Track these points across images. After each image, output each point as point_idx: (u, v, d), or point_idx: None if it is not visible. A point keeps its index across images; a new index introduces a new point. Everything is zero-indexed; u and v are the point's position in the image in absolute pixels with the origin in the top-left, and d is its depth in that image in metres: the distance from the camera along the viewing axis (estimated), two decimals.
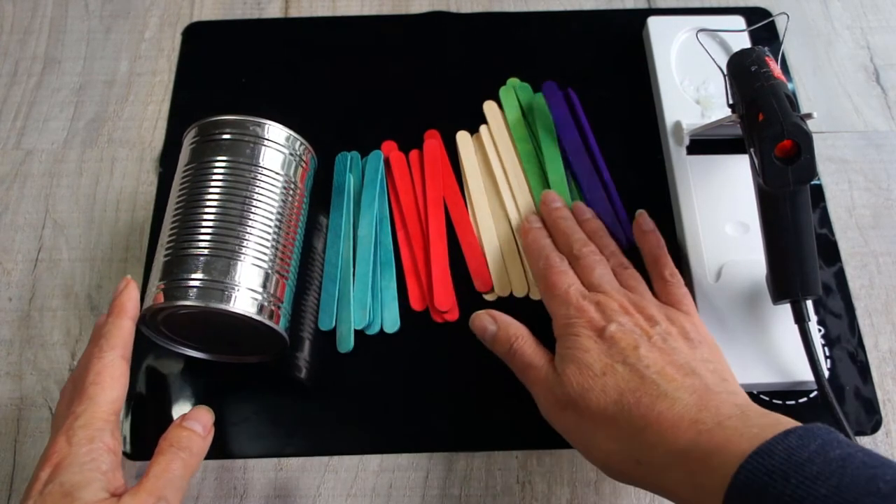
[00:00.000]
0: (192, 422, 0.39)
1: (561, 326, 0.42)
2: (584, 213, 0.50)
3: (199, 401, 0.46)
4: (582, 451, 0.39)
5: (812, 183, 0.41)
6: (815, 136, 0.39)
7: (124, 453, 0.45)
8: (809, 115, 0.41)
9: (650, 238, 0.47)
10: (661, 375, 0.37)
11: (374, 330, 0.48)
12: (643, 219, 0.48)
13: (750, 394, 0.46)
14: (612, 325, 0.40)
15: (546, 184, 0.52)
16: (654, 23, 0.57)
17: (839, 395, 0.46)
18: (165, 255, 0.42)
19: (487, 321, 0.44)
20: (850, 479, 0.29)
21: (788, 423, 0.33)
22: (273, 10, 0.62)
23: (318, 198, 0.51)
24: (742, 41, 0.56)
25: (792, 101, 0.41)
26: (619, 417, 0.36)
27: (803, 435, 0.31)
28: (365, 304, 0.48)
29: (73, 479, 0.34)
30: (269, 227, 0.43)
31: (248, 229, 0.43)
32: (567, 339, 0.41)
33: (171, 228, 0.43)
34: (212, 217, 0.42)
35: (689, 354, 0.39)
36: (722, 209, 0.50)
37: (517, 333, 0.43)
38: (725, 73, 0.45)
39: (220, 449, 0.45)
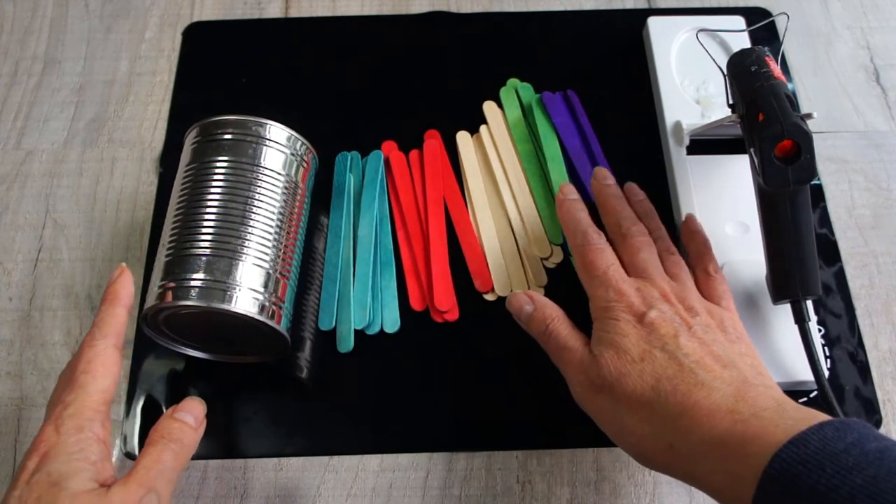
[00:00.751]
0: (184, 413, 0.38)
1: (599, 309, 0.42)
2: (637, 193, 0.49)
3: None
4: (613, 435, 0.39)
5: (812, 183, 0.41)
6: (815, 136, 0.39)
7: (125, 453, 0.45)
8: (809, 115, 0.41)
9: (697, 237, 0.47)
10: (699, 365, 0.37)
11: (374, 330, 0.48)
12: (692, 220, 0.48)
13: None
14: (653, 311, 0.40)
15: (547, 184, 0.52)
16: (654, 23, 0.57)
17: (839, 395, 0.46)
18: (167, 255, 0.42)
19: (524, 301, 0.44)
20: (886, 471, 0.29)
21: (825, 416, 0.33)
22: (273, 10, 0.62)
23: (318, 198, 0.51)
24: (742, 41, 0.56)
25: (792, 101, 0.41)
26: (655, 403, 0.36)
27: (840, 427, 0.31)
28: (365, 304, 0.48)
29: (61, 469, 0.33)
30: (271, 227, 0.43)
31: (250, 229, 0.43)
32: (605, 323, 0.40)
33: (173, 228, 0.43)
34: (213, 217, 0.42)
35: (728, 347, 0.39)
36: (722, 209, 0.50)
37: (553, 314, 0.43)
38: (725, 73, 0.45)
39: (221, 449, 0.45)
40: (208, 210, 0.43)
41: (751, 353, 0.40)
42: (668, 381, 0.37)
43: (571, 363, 0.41)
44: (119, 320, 0.39)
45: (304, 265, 0.48)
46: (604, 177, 0.49)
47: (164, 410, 0.46)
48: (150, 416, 0.46)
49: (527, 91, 0.56)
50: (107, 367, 0.37)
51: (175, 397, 0.46)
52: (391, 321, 0.48)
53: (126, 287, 0.40)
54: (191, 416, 0.38)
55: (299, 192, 0.46)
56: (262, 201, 0.44)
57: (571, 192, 0.48)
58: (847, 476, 0.29)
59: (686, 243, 0.48)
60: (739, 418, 0.34)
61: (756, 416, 0.34)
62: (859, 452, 0.30)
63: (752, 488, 0.31)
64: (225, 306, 0.41)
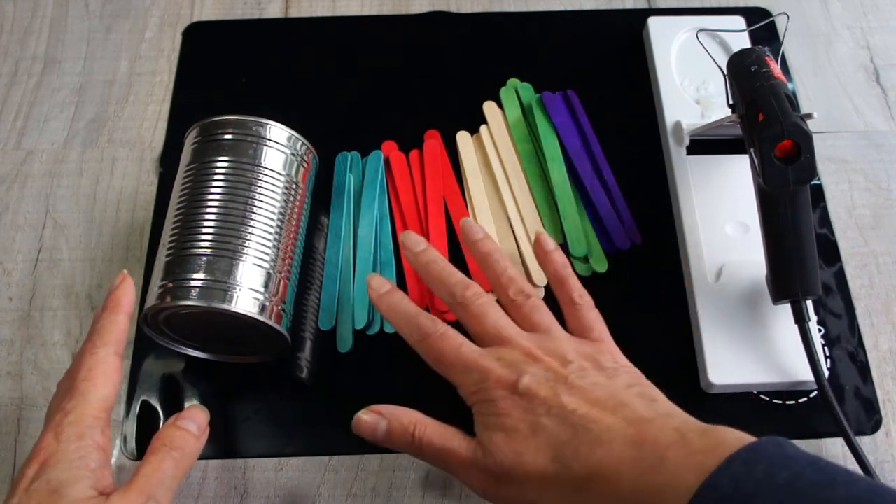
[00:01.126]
0: (187, 421, 0.38)
1: (471, 395, 0.39)
2: (475, 232, 0.44)
3: (200, 401, 0.46)
4: None
5: (812, 183, 0.41)
6: (815, 136, 0.39)
7: (125, 454, 0.45)
8: (809, 115, 0.41)
9: (554, 258, 0.43)
10: (588, 419, 0.35)
11: (374, 330, 0.48)
12: (543, 238, 0.44)
13: (749, 394, 0.46)
14: (524, 377, 0.37)
15: (547, 184, 0.52)
16: (654, 23, 0.57)
17: (839, 395, 0.46)
18: (167, 255, 0.42)
19: (373, 419, 0.39)
20: None
21: (731, 441, 0.31)
22: (273, 10, 0.62)
23: (318, 198, 0.51)
24: (742, 41, 0.56)
25: (792, 101, 0.41)
26: (561, 473, 0.34)
27: (747, 460, 0.30)
28: (365, 304, 0.48)
29: (61, 477, 0.33)
30: (271, 227, 0.43)
31: (251, 229, 0.43)
32: (483, 406, 0.38)
33: (173, 228, 0.43)
34: (214, 217, 0.42)
35: (611, 385, 0.37)
36: (722, 209, 0.50)
37: (414, 420, 0.39)
38: (725, 73, 0.45)
39: (220, 449, 0.45)
40: (208, 210, 0.43)
41: (636, 381, 0.38)
42: (566, 447, 0.35)
43: (460, 463, 0.38)
44: (120, 328, 0.39)
45: (304, 265, 0.48)
46: (413, 243, 0.44)
47: (165, 411, 0.46)
48: (150, 417, 0.46)
49: (527, 91, 0.56)
50: (108, 374, 0.37)
51: (176, 398, 0.46)
52: None
53: (127, 294, 0.40)
54: (193, 423, 0.38)
55: (299, 192, 0.46)
56: (262, 201, 0.44)
57: (383, 285, 0.43)
58: None
59: (543, 267, 0.44)
60: (646, 466, 0.32)
61: (662, 461, 0.32)
62: (769, 490, 0.28)
63: None
64: (225, 306, 0.41)
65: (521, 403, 0.37)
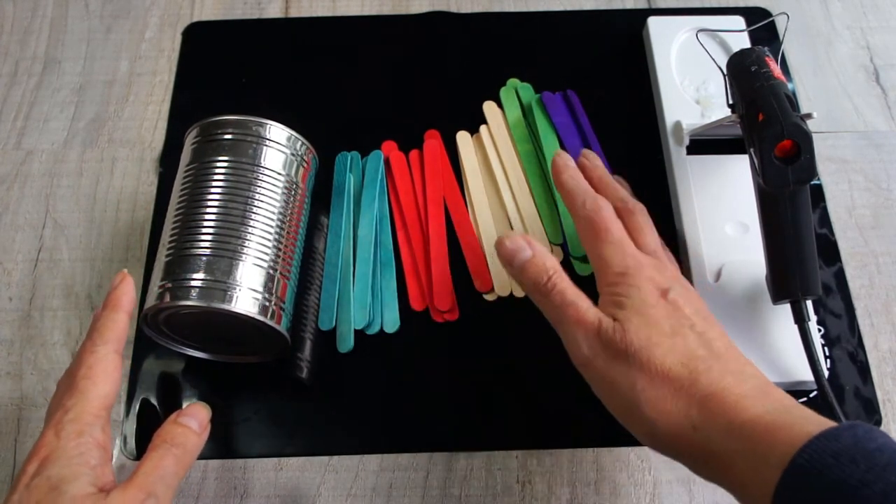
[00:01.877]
0: (188, 418, 0.38)
1: (615, 274, 0.39)
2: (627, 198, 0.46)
3: (200, 400, 0.46)
4: (624, 409, 0.37)
5: (812, 183, 0.41)
6: (815, 136, 0.39)
7: (124, 454, 0.45)
8: (809, 115, 0.41)
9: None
10: (727, 353, 0.36)
11: (374, 330, 0.48)
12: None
13: None
14: (675, 289, 0.38)
15: (547, 184, 0.52)
16: (654, 23, 0.57)
17: (839, 395, 0.46)
18: (167, 255, 0.42)
19: (521, 245, 0.40)
20: None
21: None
22: (273, 10, 0.62)
23: (318, 198, 0.51)
24: (742, 41, 0.56)
25: (792, 101, 0.41)
26: (683, 379, 0.35)
27: (869, 430, 0.30)
28: (365, 304, 0.48)
29: (61, 473, 0.33)
30: (271, 227, 0.43)
31: (250, 229, 0.43)
32: (624, 288, 0.38)
33: (173, 228, 0.43)
34: (214, 217, 0.42)
35: (738, 350, 0.38)
36: (722, 209, 0.50)
37: (555, 266, 0.39)
38: (725, 73, 0.45)
39: (220, 449, 0.45)
40: (208, 210, 0.43)
41: None
42: (700, 361, 0.35)
43: (580, 323, 0.38)
44: (120, 326, 0.39)
45: (304, 265, 0.48)
46: (593, 157, 0.47)
47: (165, 411, 0.46)
48: (150, 416, 0.46)
49: (527, 91, 0.56)
50: (108, 372, 0.37)
51: (175, 397, 0.46)
52: (391, 321, 0.48)
53: (127, 293, 0.40)
54: (195, 420, 0.38)
55: (299, 192, 0.46)
56: (262, 201, 0.44)
57: (570, 160, 0.45)
58: (882, 473, 0.28)
59: None
60: (769, 409, 0.33)
61: (785, 410, 0.33)
62: (893, 452, 0.29)
63: (775, 477, 0.30)
64: (225, 306, 0.41)
65: (668, 308, 0.37)
